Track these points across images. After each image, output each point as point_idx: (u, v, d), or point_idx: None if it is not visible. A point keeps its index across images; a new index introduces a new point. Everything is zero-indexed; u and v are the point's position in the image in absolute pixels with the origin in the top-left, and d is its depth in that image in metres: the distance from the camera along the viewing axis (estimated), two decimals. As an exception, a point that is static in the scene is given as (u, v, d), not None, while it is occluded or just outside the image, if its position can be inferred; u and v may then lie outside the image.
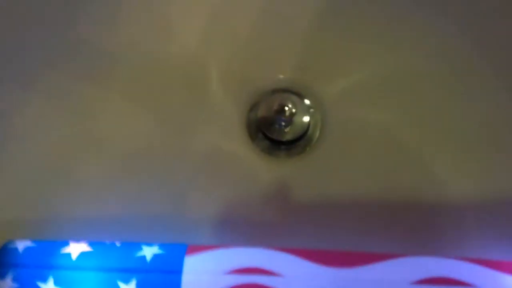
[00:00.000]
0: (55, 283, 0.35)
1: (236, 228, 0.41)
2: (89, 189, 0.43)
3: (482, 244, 0.39)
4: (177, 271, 0.35)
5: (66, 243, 0.38)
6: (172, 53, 0.45)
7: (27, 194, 0.44)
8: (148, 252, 0.36)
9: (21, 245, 0.37)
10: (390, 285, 0.34)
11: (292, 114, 0.43)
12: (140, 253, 0.36)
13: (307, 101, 0.44)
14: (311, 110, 0.44)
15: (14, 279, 0.36)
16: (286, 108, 0.43)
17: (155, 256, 0.36)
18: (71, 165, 0.44)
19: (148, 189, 0.43)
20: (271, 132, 0.44)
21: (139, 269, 0.35)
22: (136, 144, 0.45)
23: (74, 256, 0.36)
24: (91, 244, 0.37)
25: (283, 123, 0.43)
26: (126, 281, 0.35)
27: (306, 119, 0.44)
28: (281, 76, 0.44)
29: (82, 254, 0.36)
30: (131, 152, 0.44)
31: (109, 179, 0.44)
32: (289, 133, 0.44)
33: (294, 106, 0.43)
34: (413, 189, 0.42)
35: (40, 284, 0.36)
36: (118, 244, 0.37)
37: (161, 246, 0.37)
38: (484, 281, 0.34)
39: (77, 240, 0.38)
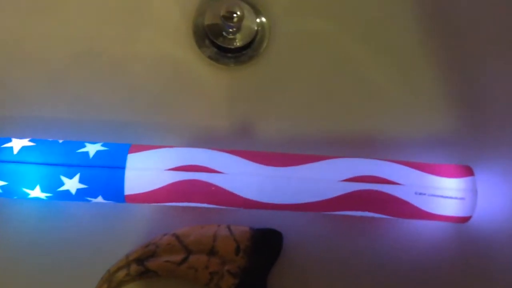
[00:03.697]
0: (-3, 176, 0.36)
1: (180, 132, 0.42)
2: (32, 88, 0.43)
3: (411, 149, 0.42)
4: (120, 167, 0.36)
5: (7, 139, 0.37)
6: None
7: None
8: (92, 148, 0.37)
9: (-42, 139, 0.37)
10: (320, 183, 0.36)
11: (240, 21, 0.42)
12: (83, 150, 0.36)
13: (255, 9, 0.44)
14: (259, 18, 0.44)
15: (-47, 172, 0.36)
16: (234, 15, 0.42)
17: (98, 153, 0.36)
18: (14, 63, 0.43)
19: (92, 92, 0.43)
20: (218, 39, 0.44)
21: (82, 165, 0.36)
22: (81, 46, 0.44)
23: (15, 150, 0.36)
24: (33, 140, 0.37)
25: (230, 30, 0.43)
26: (70, 176, 0.36)
27: (254, 27, 0.44)
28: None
29: (24, 149, 0.36)
30: (76, 54, 0.43)
31: (53, 80, 0.43)
32: (236, 41, 0.44)
33: (242, 12, 0.42)
34: (350, 94, 0.43)
35: (-20, 177, 0.36)
36: (60, 141, 0.38)
37: (104, 143, 0.37)
38: (410, 181, 0.36)
39: (19, 137, 0.38)
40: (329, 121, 0.43)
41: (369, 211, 0.37)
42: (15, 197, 0.37)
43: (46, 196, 0.37)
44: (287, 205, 0.37)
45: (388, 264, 0.39)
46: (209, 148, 0.38)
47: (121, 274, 0.38)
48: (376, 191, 0.36)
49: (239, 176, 0.36)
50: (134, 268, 0.38)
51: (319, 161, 0.37)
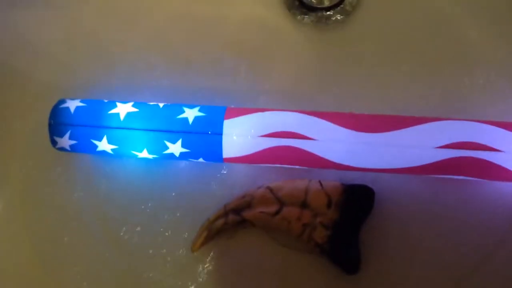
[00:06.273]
0: (108, 140, 0.39)
1: (270, 93, 0.43)
2: (130, 51, 0.45)
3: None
4: (218, 133, 0.38)
5: (113, 104, 0.40)
6: None
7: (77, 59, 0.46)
8: (190, 114, 0.38)
9: (72, 104, 0.40)
10: (415, 149, 0.36)
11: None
12: (183, 115, 0.38)
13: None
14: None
15: (71, 137, 0.39)
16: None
17: (197, 119, 0.38)
18: (113, 26, 0.46)
19: (186, 53, 0.44)
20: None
21: (183, 131, 0.38)
22: (177, 9, 0.45)
23: (122, 116, 0.39)
24: (135, 105, 0.40)
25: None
26: (173, 141, 0.38)
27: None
28: None
29: (129, 115, 0.39)
30: (173, 17, 0.44)
31: (152, 45, 0.45)
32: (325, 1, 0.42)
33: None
34: (447, 51, 0.41)
35: (94, 141, 0.39)
36: (160, 105, 0.40)
37: (201, 108, 0.39)
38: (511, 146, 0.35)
39: (123, 101, 0.40)
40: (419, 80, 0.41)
41: (466, 176, 0.36)
42: (125, 158, 0.41)
43: (153, 157, 0.40)
44: (379, 169, 0.37)
45: (479, 225, 0.39)
46: (298, 109, 0.38)
47: (220, 223, 0.42)
48: (476, 158, 0.35)
49: (331, 142, 0.37)
50: (231, 217, 0.42)
51: (413, 125, 0.36)
